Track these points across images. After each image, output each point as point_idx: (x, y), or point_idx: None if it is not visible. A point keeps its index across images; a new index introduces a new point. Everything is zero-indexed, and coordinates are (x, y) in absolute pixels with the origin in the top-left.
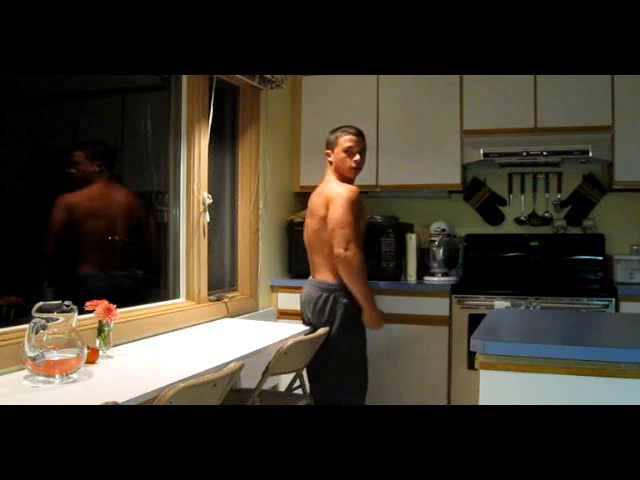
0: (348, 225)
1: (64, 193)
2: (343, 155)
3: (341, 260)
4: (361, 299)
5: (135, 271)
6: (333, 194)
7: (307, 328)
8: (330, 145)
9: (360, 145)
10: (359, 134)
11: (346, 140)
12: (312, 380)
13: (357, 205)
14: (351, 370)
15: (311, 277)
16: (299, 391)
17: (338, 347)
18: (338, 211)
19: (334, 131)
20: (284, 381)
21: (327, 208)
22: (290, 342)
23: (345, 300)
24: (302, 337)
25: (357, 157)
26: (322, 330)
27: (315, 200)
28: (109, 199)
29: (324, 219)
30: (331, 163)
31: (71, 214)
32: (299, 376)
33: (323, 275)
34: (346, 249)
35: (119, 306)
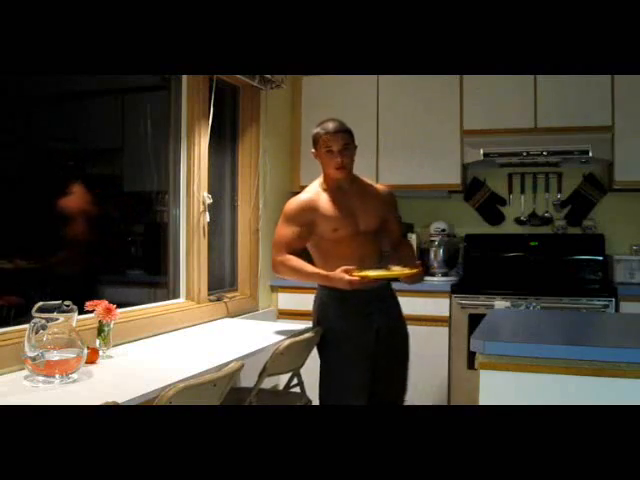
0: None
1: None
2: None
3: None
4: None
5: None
6: None
7: (307, 327)
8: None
9: (341, 143)
10: (338, 130)
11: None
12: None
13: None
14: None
15: None
16: (297, 389)
17: None
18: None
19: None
20: (284, 381)
21: None
22: (287, 342)
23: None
24: (298, 337)
25: (338, 159)
26: (320, 330)
27: None
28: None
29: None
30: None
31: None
32: (296, 375)
33: None
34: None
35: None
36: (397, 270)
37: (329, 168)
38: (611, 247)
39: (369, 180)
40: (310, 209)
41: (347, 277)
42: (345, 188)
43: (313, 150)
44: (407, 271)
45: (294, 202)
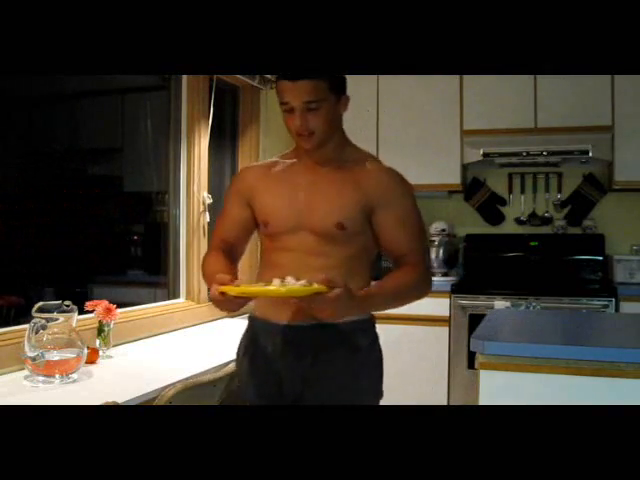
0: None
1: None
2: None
3: None
4: None
5: None
6: None
7: None
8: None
9: (303, 97)
10: (298, 77)
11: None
12: None
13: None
14: None
15: None
16: None
17: None
18: None
19: None
20: None
21: None
22: None
23: None
24: None
25: (297, 121)
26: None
27: None
28: None
29: None
30: None
31: None
32: None
33: None
34: None
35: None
36: (284, 287)
37: (291, 134)
38: (611, 247)
39: (367, 158)
40: (249, 188)
41: (212, 290)
42: (315, 165)
43: None
44: (291, 290)
45: (236, 175)
